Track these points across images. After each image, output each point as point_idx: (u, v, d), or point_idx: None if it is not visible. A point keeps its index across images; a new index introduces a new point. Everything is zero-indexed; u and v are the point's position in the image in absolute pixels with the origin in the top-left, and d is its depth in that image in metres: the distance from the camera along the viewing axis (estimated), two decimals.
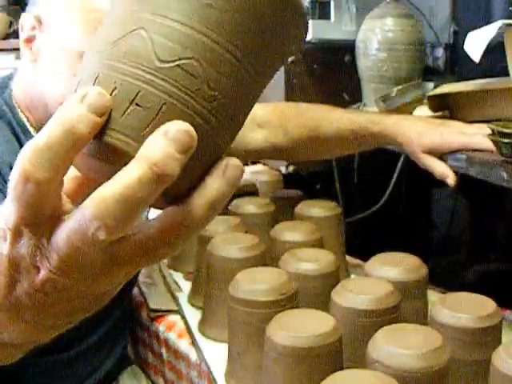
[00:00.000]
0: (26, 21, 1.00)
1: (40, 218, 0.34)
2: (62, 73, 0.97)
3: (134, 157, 0.32)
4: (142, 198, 0.32)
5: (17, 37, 2.47)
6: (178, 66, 0.33)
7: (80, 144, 0.32)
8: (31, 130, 1.03)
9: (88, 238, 0.33)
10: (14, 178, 0.33)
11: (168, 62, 0.33)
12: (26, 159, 0.32)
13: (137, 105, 0.33)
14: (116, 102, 0.33)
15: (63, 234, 0.34)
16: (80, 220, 0.33)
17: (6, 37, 2.48)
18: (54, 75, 0.98)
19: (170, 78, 0.33)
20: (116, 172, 0.32)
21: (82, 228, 0.33)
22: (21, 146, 1.00)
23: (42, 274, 0.36)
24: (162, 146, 0.32)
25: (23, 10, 1.07)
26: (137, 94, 0.33)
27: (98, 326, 1.14)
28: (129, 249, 0.34)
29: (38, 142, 0.32)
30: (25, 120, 1.03)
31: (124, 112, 0.33)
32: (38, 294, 0.37)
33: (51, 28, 0.99)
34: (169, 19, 0.33)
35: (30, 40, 1.01)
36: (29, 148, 0.33)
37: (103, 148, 0.33)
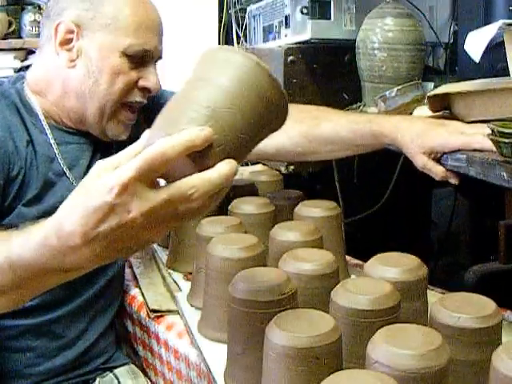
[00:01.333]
0: (61, 24, 1.08)
1: (149, 181, 0.59)
2: (99, 72, 1.09)
3: (212, 167, 0.63)
4: (219, 184, 0.62)
5: (16, 37, 2.47)
6: (237, 137, 0.66)
7: (192, 149, 0.61)
8: (39, 112, 1.12)
9: (184, 196, 0.60)
10: (151, 151, 0.59)
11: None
12: (176, 145, 0.60)
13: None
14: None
15: (164, 193, 0.59)
16: (181, 186, 0.60)
17: (6, 37, 2.47)
18: (89, 74, 1.10)
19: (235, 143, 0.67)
20: (190, 171, 0.62)
21: (182, 190, 0.60)
22: (24, 124, 1.09)
23: (132, 215, 0.58)
24: (227, 166, 0.63)
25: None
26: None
27: (89, 285, 1.16)
28: (191, 207, 0.61)
29: (187, 140, 0.60)
30: (33, 104, 1.12)
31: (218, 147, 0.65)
32: (119, 229, 0.58)
33: (95, 35, 1.08)
34: (232, 111, 0.65)
35: (65, 43, 1.10)
36: (181, 139, 0.60)
37: (202, 157, 0.63)
